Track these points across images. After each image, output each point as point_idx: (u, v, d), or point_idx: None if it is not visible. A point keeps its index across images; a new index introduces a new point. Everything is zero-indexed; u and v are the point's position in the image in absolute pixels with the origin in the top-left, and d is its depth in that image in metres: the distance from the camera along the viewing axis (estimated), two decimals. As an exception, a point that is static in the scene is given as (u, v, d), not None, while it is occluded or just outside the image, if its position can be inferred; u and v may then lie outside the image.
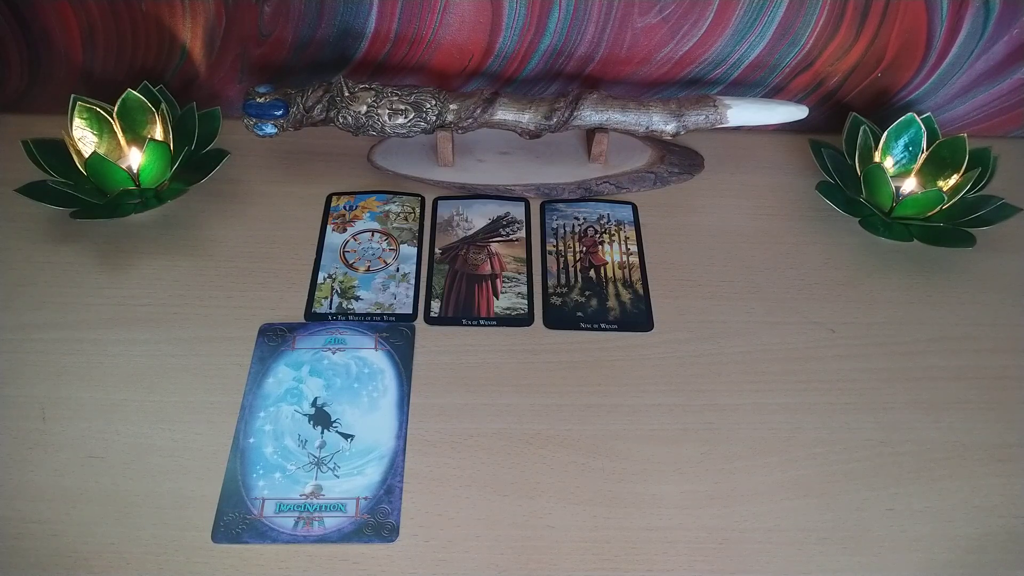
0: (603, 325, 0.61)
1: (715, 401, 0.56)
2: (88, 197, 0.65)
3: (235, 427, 0.54)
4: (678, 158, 0.73)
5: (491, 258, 0.65)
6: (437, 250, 0.66)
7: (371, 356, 0.58)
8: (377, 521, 0.49)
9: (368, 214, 0.68)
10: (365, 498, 0.50)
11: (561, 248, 0.66)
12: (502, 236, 0.67)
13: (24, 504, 0.49)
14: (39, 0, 0.66)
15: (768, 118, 0.68)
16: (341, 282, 0.63)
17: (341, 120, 0.65)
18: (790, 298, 0.63)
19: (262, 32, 0.69)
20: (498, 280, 0.64)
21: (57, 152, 0.65)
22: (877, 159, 0.68)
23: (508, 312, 0.61)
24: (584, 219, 0.69)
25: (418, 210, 0.69)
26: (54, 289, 0.61)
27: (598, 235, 0.68)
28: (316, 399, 0.55)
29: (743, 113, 0.67)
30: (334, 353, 0.58)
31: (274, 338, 0.59)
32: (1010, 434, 0.55)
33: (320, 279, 0.63)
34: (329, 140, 0.72)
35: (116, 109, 0.66)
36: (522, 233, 0.67)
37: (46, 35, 0.69)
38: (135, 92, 0.66)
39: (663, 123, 0.66)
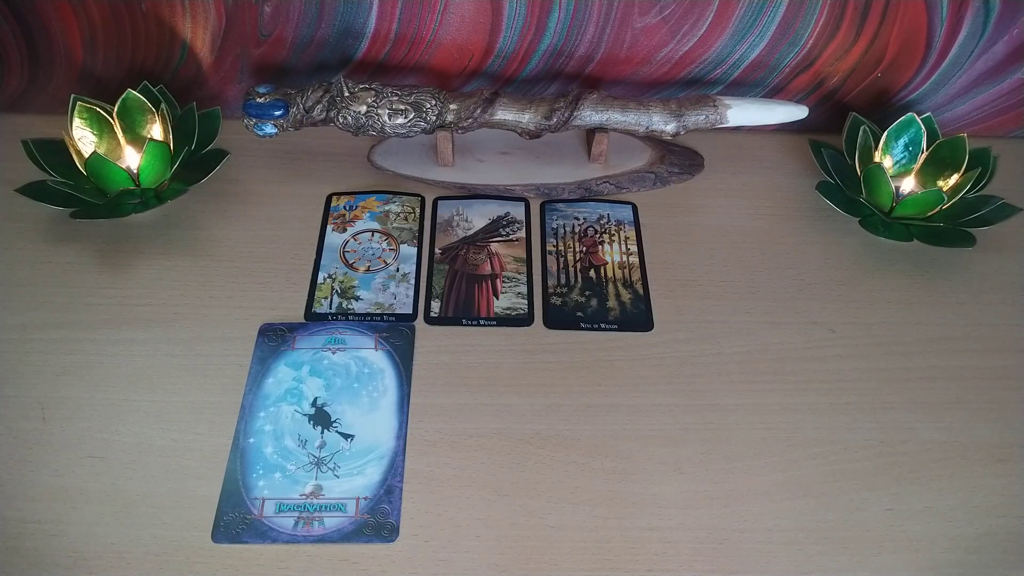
0: (603, 325, 0.61)
1: (715, 401, 0.56)
2: (88, 197, 0.65)
3: (235, 427, 0.54)
4: (678, 158, 0.73)
5: (491, 258, 0.65)
6: (437, 250, 0.66)
7: (371, 356, 0.58)
8: (377, 521, 0.49)
9: (368, 214, 0.68)
10: (365, 498, 0.50)
11: (561, 248, 0.66)
12: (502, 236, 0.67)
13: (24, 504, 0.49)
14: (39, 0, 0.66)
15: (768, 118, 0.68)
16: (341, 282, 0.63)
17: (341, 120, 0.65)
18: (790, 298, 0.63)
19: (262, 32, 0.69)
20: (498, 280, 0.64)
21: (57, 152, 0.65)
22: (877, 159, 0.68)
23: (508, 312, 0.61)
24: (584, 219, 0.69)
25: (418, 210, 0.69)
26: (54, 289, 0.61)
27: (598, 235, 0.68)
28: (316, 399, 0.55)
29: (743, 113, 0.67)
30: (334, 353, 0.58)
31: (274, 338, 0.59)
32: (1010, 434, 0.55)
33: (320, 279, 0.63)
34: (329, 140, 0.72)
35: (116, 109, 0.66)
36: (522, 233, 0.67)
37: (46, 35, 0.69)
38: (135, 92, 0.66)
39: (663, 123, 0.66)
